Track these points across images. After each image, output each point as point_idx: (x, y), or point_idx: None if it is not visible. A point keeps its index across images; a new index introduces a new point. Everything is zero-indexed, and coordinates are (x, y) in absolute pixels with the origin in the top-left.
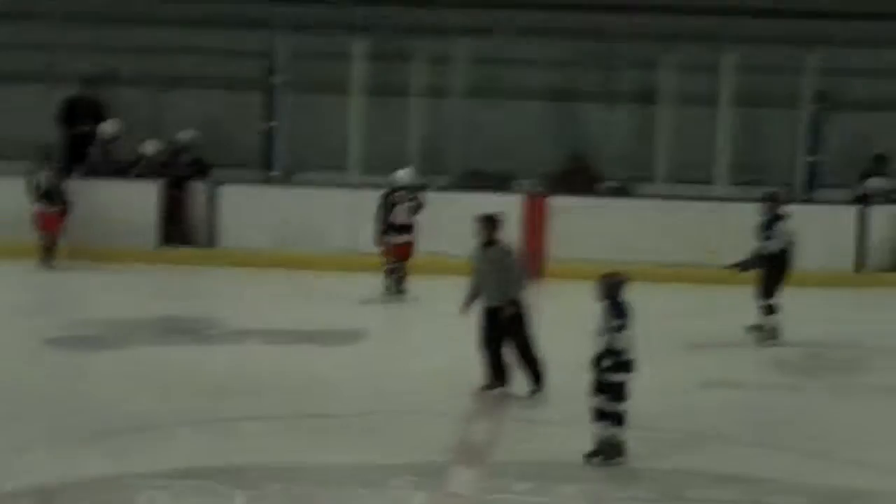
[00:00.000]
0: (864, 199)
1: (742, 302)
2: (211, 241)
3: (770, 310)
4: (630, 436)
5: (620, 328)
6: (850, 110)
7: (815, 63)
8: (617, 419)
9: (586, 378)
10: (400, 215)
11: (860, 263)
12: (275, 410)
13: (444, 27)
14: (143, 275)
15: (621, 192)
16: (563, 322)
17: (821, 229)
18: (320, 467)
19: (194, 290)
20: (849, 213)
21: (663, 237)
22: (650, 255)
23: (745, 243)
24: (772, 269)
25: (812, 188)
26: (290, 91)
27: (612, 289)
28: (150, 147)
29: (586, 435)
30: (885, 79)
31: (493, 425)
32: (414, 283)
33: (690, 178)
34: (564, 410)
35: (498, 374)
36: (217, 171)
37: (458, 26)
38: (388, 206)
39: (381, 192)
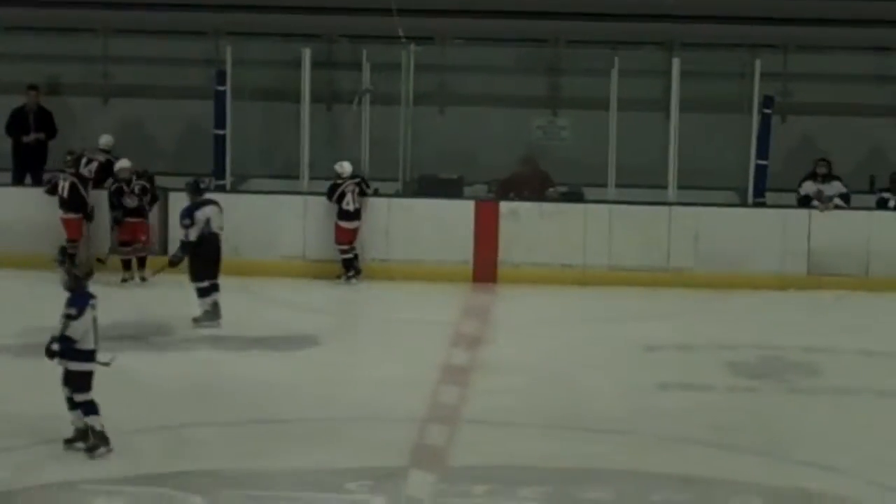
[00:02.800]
0: (803, 203)
1: (695, 305)
2: (162, 248)
3: (201, 293)
4: (591, 438)
5: (70, 318)
6: (799, 114)
7: (764, 67)
8: (86, 408)
9: (545, 382)
10: (350, 203)
11: (812, 266)
12: (226, 417)
13: (392, 34)
14: (93, 282)
15: (572, 196)
16: (517, 326)
17: (772, 232)
18: (274, 473)
19: (145, 297)
20: (798, 217)
21: (614, 241)
22: (601, 259)
23: (694, 246)
24: (196, 255)
25: (761, 192)
26: (238, 98)
27: (74, 280)
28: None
29: (544, 437)
30: (835, 83)
31: (449, 429)
32: (367, 290)
33: (641, 183)
34: (521, 413)
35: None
36: (167, 178)
37: (406, 34)
38: (339, 196)
39: (330, 184)
